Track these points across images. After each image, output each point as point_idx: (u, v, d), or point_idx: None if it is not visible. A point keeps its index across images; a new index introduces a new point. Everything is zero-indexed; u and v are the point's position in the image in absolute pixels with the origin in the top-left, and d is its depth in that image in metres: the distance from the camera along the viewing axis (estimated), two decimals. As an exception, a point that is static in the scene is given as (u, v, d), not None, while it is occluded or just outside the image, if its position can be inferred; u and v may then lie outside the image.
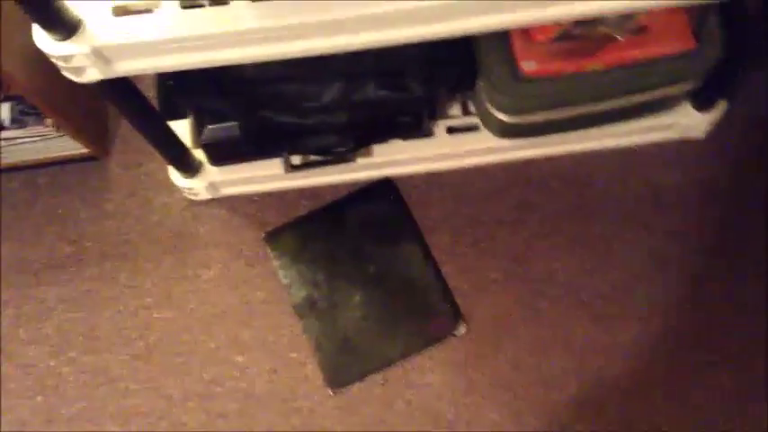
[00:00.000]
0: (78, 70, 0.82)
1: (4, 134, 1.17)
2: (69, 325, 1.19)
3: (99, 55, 0.80)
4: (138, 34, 0.79)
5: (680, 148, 1.22)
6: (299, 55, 0.83)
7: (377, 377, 1.13)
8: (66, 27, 0.78)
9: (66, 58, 0.80)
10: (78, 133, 1.20)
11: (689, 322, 1.14)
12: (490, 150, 1.20)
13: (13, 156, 1.22)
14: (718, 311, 1.15)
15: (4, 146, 1.20)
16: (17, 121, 1.17)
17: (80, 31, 0.78)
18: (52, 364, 1.17)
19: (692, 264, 1.17)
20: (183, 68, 0.85)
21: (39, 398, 1.15)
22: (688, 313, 1.14)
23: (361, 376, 1.13)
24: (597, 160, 1.22)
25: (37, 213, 1.26)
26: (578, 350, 1.13)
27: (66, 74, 0.83)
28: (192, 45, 0.81)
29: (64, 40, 0.78)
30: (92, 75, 0.83)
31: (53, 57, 0.80)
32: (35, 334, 1.18)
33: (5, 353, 1.17)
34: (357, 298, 1.16)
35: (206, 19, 0.79)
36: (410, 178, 1.23)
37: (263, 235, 1.21)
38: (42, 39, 0.79)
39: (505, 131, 1.16)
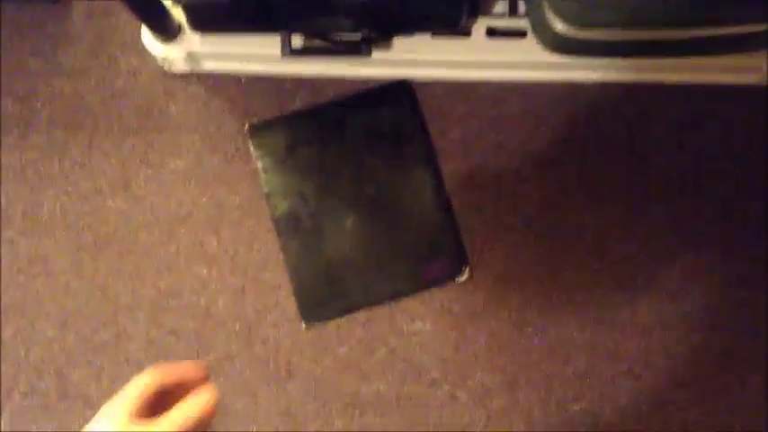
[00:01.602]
0: None
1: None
2: (7, 199, 1.01)
3: None
4: None
5: (739, 93, 1.01)
6: None
7: (359, 316, 0.97)
8: None
9: None
10: (33, -34, 0.96)
11: (722, 311, 0.99)
12: (535, 65, 0.99)
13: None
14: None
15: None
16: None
17: None
18: (-17, 242, 1.00)
19: (740, 243, 1.00)
20: None
21: (-36, 280, 0.99)
22: (724, 300, 0.99)
23: (342, 312, 0.97)
24: (655, 94, 1.01)
25: (-21, 57, 1.04)
26: (593, 321, 0.97)
27: None
28: None
29: None
30: None
31: None
32: (-34, 203, 1.01)
33: (-71, 221, 1.00)
34: (349, 221, 0.97)
35: None
36: (432, 85, 1.01)
37: (247, 127, 1.00)
38: None
39: (559, 45, 0.95)
